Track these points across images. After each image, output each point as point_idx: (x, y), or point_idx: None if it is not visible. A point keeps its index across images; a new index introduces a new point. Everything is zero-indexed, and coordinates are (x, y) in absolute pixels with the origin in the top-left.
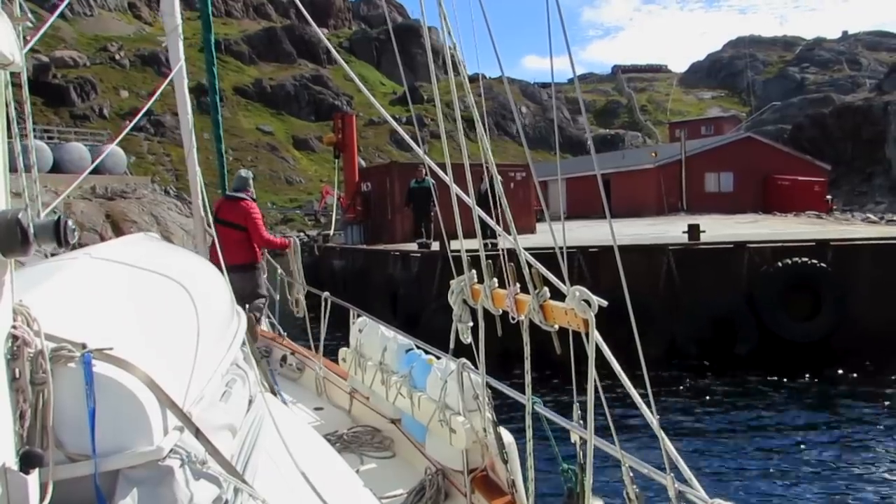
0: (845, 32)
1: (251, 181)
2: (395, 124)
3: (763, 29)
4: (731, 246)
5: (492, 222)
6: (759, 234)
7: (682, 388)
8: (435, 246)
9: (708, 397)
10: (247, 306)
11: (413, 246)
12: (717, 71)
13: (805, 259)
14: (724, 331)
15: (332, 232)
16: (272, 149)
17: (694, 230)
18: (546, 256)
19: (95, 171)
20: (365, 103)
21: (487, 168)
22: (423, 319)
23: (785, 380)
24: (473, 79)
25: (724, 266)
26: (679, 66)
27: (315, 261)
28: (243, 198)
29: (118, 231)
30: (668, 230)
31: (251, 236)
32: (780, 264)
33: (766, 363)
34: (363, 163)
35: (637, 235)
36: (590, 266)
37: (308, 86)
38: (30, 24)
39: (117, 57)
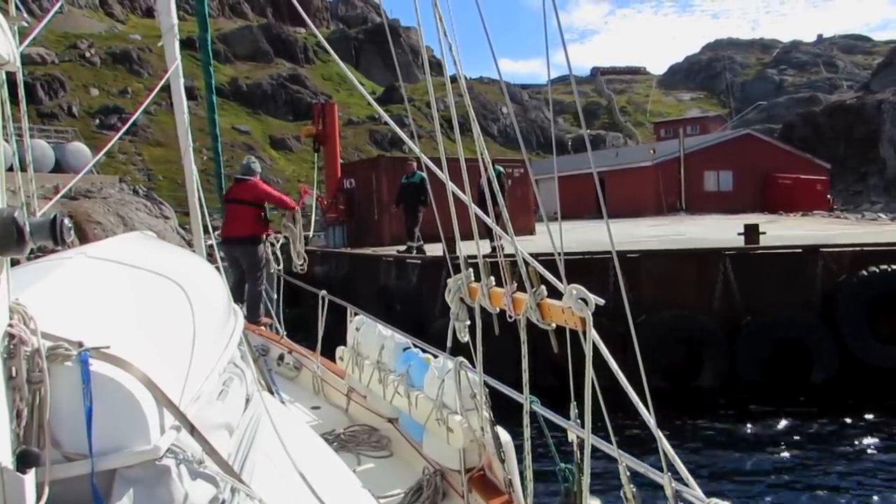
0: (820, 36)
1: (256, 166)
2: (389, 119)
3: (735, 33)
4: (800, 251)
5: (489, 220)
6: (803, 237)
7: (744, 423)
8: (435, 250)
9: (776, 435)
10: (245, 305)
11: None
12: (696, 73)
13: (894, 267)
14: (795, 354)
15: (310, 233)
16: (249, 148)
17: (752, 231)
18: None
19: (59, 170)
20: (343, 102)
21: (493, 162)
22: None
23: (870, 414)
24: (455, 78)
25: (793, 275)
26: (654, 69)
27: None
28: (249, 178)
29: (80, 232)
30: (688, 231)
31: (273, 203)
32: (864, 273)
33: (847, 393)
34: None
35: (658, 237)
36: (627, 275)
37: (285, 85)
38: (25, 24)
39: (87, 55)
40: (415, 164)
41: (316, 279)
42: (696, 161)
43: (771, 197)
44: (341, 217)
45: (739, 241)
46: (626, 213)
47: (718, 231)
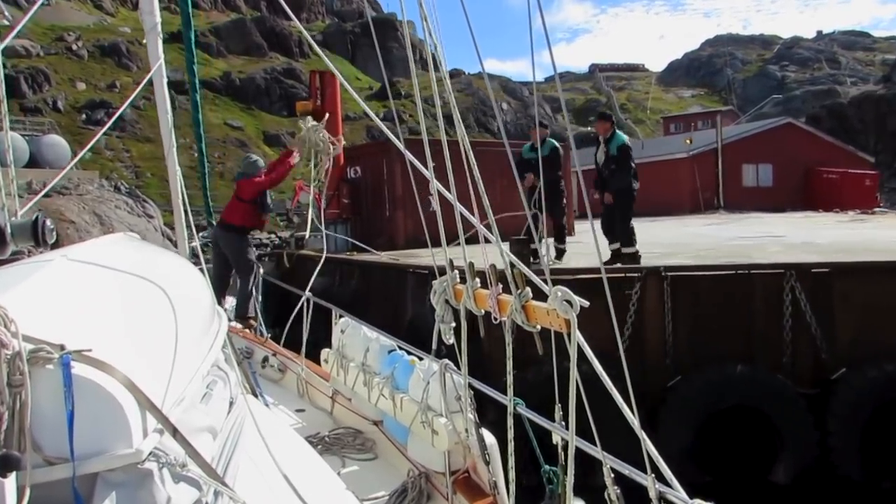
0: (820, 32)
1: (258, 163)
2: (378, 122)
3: (727, 31)
4: None
5: (474, 219)
6: None
7: None
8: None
9: None
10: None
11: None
12: (696, 69)
13: None
14: None
15: (306, 234)
16: (241, 144)
17: None
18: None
19: (34, 165)
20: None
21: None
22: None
23: None
24: (453, 74)
25: None
26: (650, 67)
27: (283, 275)
28: (245, 178)
29: None
30: (787, 233)
31: (269, 184)
32: None
33: None
34: None
35: (758, 239)
36: (812, 300)
37: (279, 79)
38: (7, 22)
39: (74, 47)
40: (541, 130)
41: (314, 295)
42: (733, 153)
43: (814, 193)
44: (344, 213)
45: None
46: (657, 211)
47: (816, 231)
